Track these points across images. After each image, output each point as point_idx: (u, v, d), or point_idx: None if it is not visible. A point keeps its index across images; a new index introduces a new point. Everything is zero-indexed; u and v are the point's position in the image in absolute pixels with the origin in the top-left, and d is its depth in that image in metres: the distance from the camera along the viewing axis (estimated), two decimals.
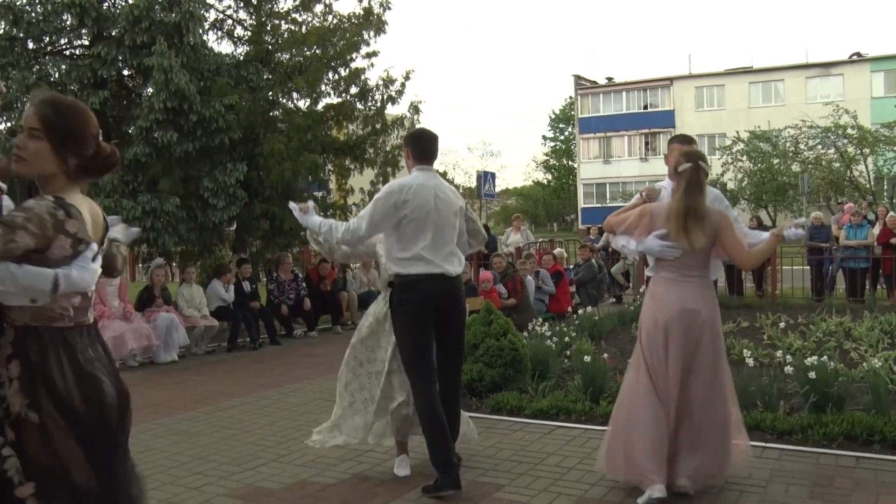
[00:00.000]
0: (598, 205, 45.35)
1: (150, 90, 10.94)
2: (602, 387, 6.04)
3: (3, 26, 11.10)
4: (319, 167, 12.50)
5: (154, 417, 6.18)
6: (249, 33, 13.23)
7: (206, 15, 12.35)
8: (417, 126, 13.89)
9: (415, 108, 13.61)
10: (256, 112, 11.69)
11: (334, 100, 13.18)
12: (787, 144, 31.01)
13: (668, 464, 3.96)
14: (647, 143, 47.00)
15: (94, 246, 2.31)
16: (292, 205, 4.77)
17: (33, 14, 11.17)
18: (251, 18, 13.28)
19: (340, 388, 4.90)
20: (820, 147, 28.14)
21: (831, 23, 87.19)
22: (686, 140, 4.64)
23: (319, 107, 13.05)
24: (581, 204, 49.15)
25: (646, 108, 47.11)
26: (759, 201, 32.61)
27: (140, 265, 15.96)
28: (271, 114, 12.53)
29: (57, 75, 11.30)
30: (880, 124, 29.61)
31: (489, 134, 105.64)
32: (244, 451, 5.25)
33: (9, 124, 11.44)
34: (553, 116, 65.21)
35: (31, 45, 11.49)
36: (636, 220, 4.09)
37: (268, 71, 12.65)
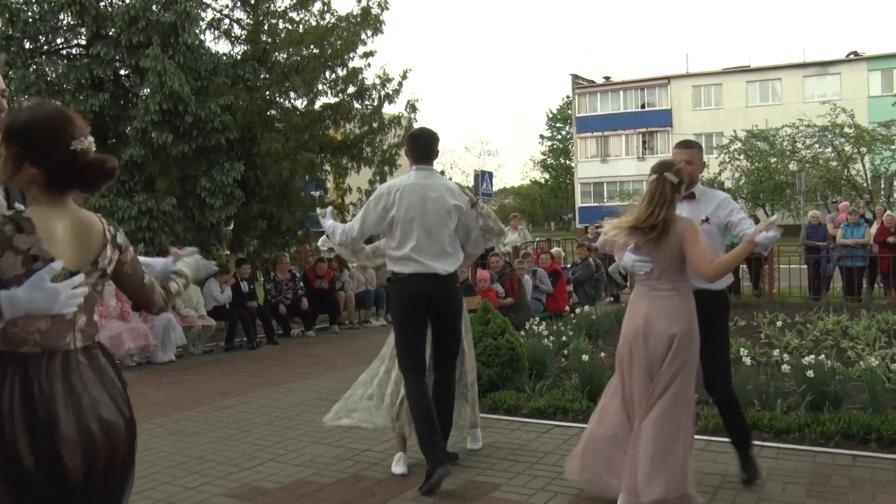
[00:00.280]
0: (596, 204, 45.34)
1: (146, 91, 10.95)
2: (599, 386, 6.02)
3: None
4: (317, 166, 12.51)
5: (151, 417, 6.18)
6: (246, 32, 13.24)
7: (203, 14, 12.36)
8: (415, 125, 13.92)
9: (412, 107, 13.63)
10: (253, 111, 11.69)
11: (332, 99, 13.20)
12: (785, 143, 31.05)
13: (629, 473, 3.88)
14: (644, 143, 47.01)
15: (56, 264, 2.00)
16: (319, 210, 5.11)
17: (30, 13, 11.15)
18: (248, 17, 13.28)
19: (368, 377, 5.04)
20: (817, 146, 28.19)
21: (828, 22, 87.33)
22: (685, 145, 4.47)
23: (317, 106, 13.07)
24: (578, 203, 49.15)
25: (643, 107, 47.12)
26: (756, 200, 32.65)
27: None
28: (268, 113, 12.54)
29: (54, 75, 11.28)
30: (877, 123, 29.67)
31: (487, 133, 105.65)
32: (242, 450, 5.25)
33: None
34: (550, 115, 65.27)
35: (27, 45, 11.47)
36: (614, 235, 4.05)
37: (265, 70, 12.65)
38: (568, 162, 60.29)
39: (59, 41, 12.08)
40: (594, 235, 16.90)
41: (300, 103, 13.11)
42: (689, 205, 4.22)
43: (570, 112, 54.67)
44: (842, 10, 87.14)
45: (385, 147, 13.63)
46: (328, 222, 4.85)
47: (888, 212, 13.91)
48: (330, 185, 14.68)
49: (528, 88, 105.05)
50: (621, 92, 47.84)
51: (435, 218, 4.54)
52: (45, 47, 11.87)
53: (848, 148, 27.57)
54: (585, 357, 6.08)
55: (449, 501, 4.18)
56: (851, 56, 41.62)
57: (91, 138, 2.14)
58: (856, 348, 7.59)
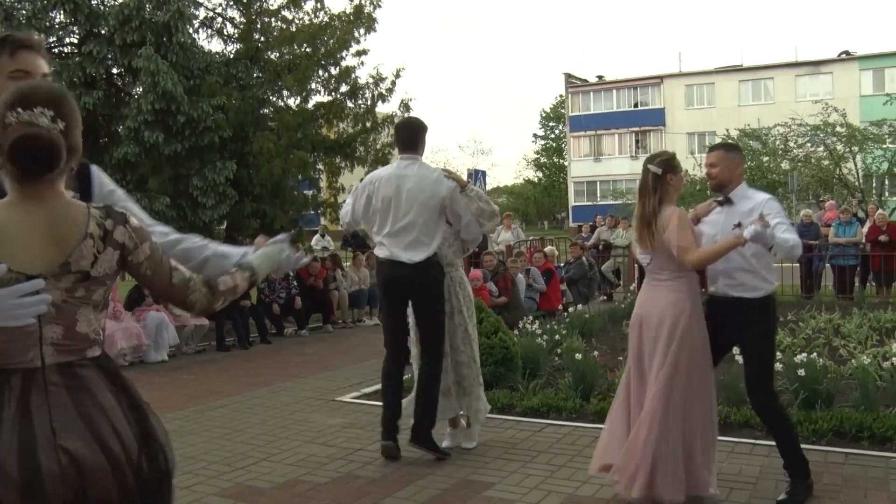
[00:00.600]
0: (589, 203, 45.40)
1: (139, 90, 10.92)
2: (592, 384, 6.06)
3: None
4: (309, 165, 12.49)
5: None
6: (239, 31, 13.20)
7: (196, 13, 12.32)
8: None
9: (405, 106, 13.61)
10: (246, 110, 11.67)
11: (324, 98, 13.18)
12: (777, 142, 31.10)
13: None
14: (637, 142, 47.08)
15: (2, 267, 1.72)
16: None
17: (23, 11, 11.11)
18: (241, 16, 13.25)
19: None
20: (809, 145, 28.21)
21: (820, 21, 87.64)
22: (712, 148, 4.30)
23: (310, 105, 13.04)
24: (572, 202, 49.19)
25: (636, 106, 47.18)
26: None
27: None
28: (261, 112, 12.52)
29: None
30: (869, 122, 29.74)
31: (480, 132, 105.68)
32: (235, 450, 5.24)
33: None
34: (544, 114, 65.26)
35: None
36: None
37: (258, 69, 12.63)
38: (561, 161, 60.32)
39: (51, 39, 12.03)
40: (587, 234, 16.94)
41: (293, 102, 13.10)
42: (725, 210, 4.08)
43: (563, 111, 54.72)
44: (833, 10, 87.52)
45: (378, 146, 13.62)
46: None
47: (880, 210, 13.97)
48: (323, 183, 14.66)
49: (521, 87, 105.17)
50: (614, 91, 47.89)
51: (407, 207, 4.69)
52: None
53: (840, 147, 27.62)
54: (579, 356, 6.09)
55: (442, 500, 4.18)
56: (843, 55, 41.77)
57: (41, 110, 1.77)
58: (848, 346, 7.62)
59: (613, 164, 47.01)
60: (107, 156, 10.99)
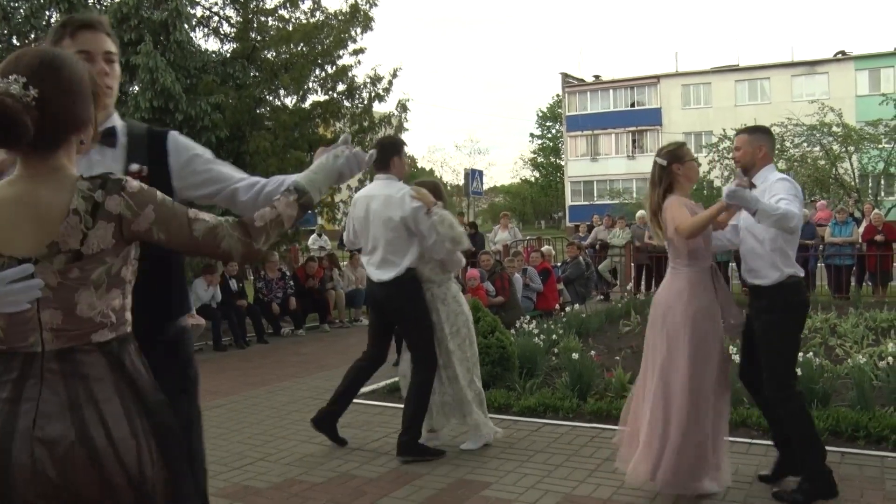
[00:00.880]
0: (586, 202, 45.40)
1: (137, 88, 10.90)
2: (589, 384, 6.06)
3: None
4: (306, 165, 12.46)
5: None
6: (236, 30, 13.18)
7: (193, 12, 12.30)
8: (405, 124, 13.91)
9: (402, 106, 13.60)
10: (243, 110, 11.65)
11: (321, 97, 13.15)
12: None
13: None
14: (634, 141, 47.11)
15: None
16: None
17: (21, 10, 11.09)
18: (238, 15, 13.23)
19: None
20: (805, 145, 28.25)
21: (816, 21, 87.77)
22: (739, 131, 4.29)
23: (306, 104, 13.02)
24: (568, 202, 49.20)
25: (633, 105, 47.20)
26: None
27: None
28: (258, 111, 12.49)
29: None
30: (865, 122, 29.81)
31: (477, 132, 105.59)
32: (232, 450, 5.23)
33: None
34: (540, 114, 65.33)
35: (15, 42, 11.41)
36: None
37: (254, 68, 12.61)
38: (558, 160, 60.35)
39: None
40: (584, 234, 16.94)
41: (289, 101, 13.08)
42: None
43: (560, 111, 54.71)
44: (829, 10, 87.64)
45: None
46: None
47: (875, 210, 14.00)
48: None
49: (518, 87, 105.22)
50: (611, 91, 47.92)
51: (374, 227, 4.86)
52: (35, 44, 11.81)
53: (836, 147, 27.68)
54: (575, 355, 6.09)
55: (439, 499, 4.18)
56: (839, 55, 41.83)
57: (14, 77, 1.65)
58: (844, 346, 7.64)
59: (610, 164, 47.03)
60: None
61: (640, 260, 14.50)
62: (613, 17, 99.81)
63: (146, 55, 10.35)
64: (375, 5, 12.85)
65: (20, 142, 1.66)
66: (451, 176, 57.64)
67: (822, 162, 28.06)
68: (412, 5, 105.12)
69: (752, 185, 3.92)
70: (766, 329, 3.99)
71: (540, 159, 66.02)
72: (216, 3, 13.13)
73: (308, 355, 9.39)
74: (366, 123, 13.28)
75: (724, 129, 33.44)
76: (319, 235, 19.34)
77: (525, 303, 10.93)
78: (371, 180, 5.81)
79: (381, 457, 4.91)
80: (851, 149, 27.94)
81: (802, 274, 4.07)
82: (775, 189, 3.85)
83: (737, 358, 6.06)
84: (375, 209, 4.84)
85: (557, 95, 56.60)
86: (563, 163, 53.98)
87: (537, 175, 66.63)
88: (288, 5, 12.94)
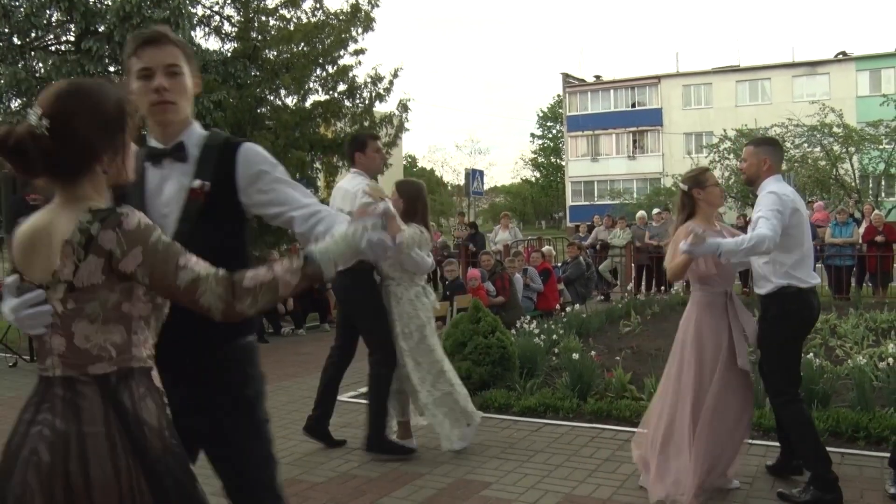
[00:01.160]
0: (587, 202, 45.38)
1: None
2: (589, 384, 6.06)
3: None
4: (307, 164, 12.48)
5: None
6: (237, 30, 13.19)
7: (194, 11, 12.31)
8: (406, 124, 13.91)
9: (403, 106, 13.61)
10: (244, 109, 11.66)
11: (322, 97, 13.17)
12: None
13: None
14: (634, 142, 47.09)
15: (10, 278, 1.77)
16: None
17: (21, 9, 11.10)
18: (239, 15, 13.24)
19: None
20: (806, 145, 28.27)
21: (817, 22, 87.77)
22: (746, 144, 4.45)
23: (307, 104, 13.03)
24: (569, 202, 49.18)
25: (633, 106, 47.18)
26: (746, 199, 32.74)
27: None
28: (259, 111, 12.50)
29: (43, 71, 11.24)
30: (865, 123, 29.82)
31: (477, 132, 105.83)
32: None
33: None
34: (541, 114, 65.33)
35: (16, 41, 11.42)
36: None
37: (255, 68, 12.62)
38: (559, 160, 60.36)
39: (49, 37, 12.02)
40: (585, 234, 16.94)
41: (291, 101, 13.09)
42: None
43: (560, 111, 54.71)
44: (830, 11, 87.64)
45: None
46: None
47: (876, 211, 14.00)
48: (321, 183, 14.64)
49: (518, 87, 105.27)
50: (612, 91, 47.89)
51: None
52: (35, 43, 11.81)
53: (836, 147, 27.69)
54: (576, 356, 6.09)
55: (440, 499, 4.18)
56: (840, 56, 41.81)
57: (35, 109, 1.72)
58: (844, 347, 7.63)
59: (611, 164, 47.01)
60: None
61: (641, 260, 14.50)
62: (614, 17, 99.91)
63: None
64: (377, 6, 12.86)
65: (34, 169, 1.71)
66: (452, 176, 57.78)
67: (823, 162, 28.06)
68: (413, 5, 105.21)
69: (756, 197, 4.08)
70: (762, 335, 4.09)
71: (540, 159, 66.03)
72: (217, 3, 13.15)
73: (308, 355, 9.38)
74: (366, 123, 13.29)
75: (724, 130, 33.47)
76: None
77: (525, 303, 10.93)
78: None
79: (380, 456, 4.91)
80: (852, 149, 27.94)
81: (811, 283, 4.07)
82: (760, 204, 3.96)
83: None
84: (333, 202, 5.00)
85: (558, 95, 56.62)
86: (563, 163, 53.97)
87: (538, 175, 66.64)
88: (289, 5, 12.94)
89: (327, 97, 13.13)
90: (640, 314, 10.43)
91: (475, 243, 15.13)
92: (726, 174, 32.81)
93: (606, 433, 5.31)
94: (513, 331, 7.68)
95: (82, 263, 1.69)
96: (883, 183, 30.09)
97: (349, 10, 12.83)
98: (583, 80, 50.21)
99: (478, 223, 18.59)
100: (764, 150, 4.19)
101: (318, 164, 13.76)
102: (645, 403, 5.68)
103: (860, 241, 13.09)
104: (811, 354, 5.83)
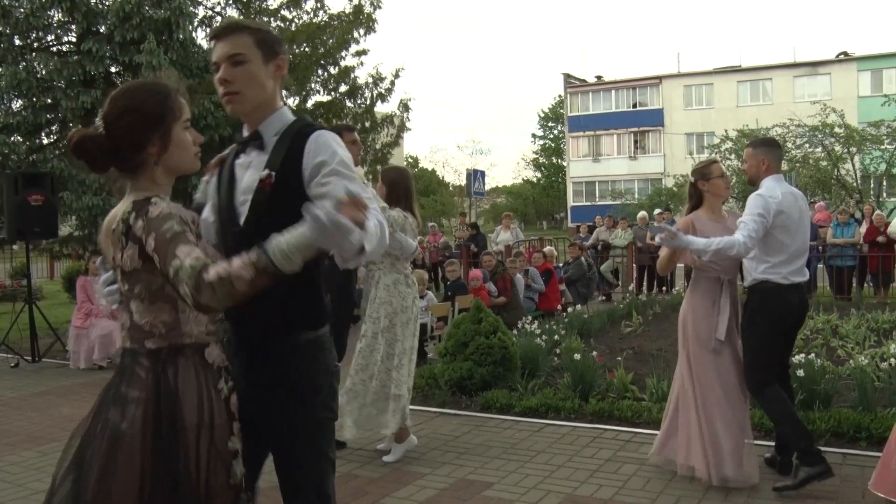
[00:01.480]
0: (588, 203, 45.41)
1: None
2: (591, 384, 6.06)
3: None
4: None
5: None
6: None
7: (196, 11, 12.32)
8: (407, 124, 13.91)
9: (404, 106, 13.61)
10: None
11: (324, 98, 13.17)
12: None
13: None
14: (636, 142, 47.08)
15: (101, 260, 2.10)
16: None
17: (21, 9, 11.11)
18: (240, 15, 13.24)
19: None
20: (807, 146, 28.25)
21: (819, 22, 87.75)
22: (747, 145, 4.57)
23: (309, 105, 13.03)
24: (570, 202, 49.19)
25: (635, 106, 47.17)
26: (747, 199, 32.75)
27: None
28: None
29: (44, 72, 11.24)
30: (867, 123, 29.80)
31: (479, 132, 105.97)
32: None
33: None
34: (542, 115, 65.31)
35: (17, 42, 11.42)
36: None
37: None
38: (560, 161, 60.35)
39: (49, 38, 12.02)
40: (586, 235, 16.94)
41: (292, 102, 13.08)
42: None
43: (562, 111, 54.72)
44: (832, 11, 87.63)
45: (378, 146, 13.61)
46: None
47: (877, 211, 13.99)
48: None
49: (520, 87, 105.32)
50: (613, 91, 47.89)
51: None
52: (36, 44, 11.82)
53: (838, 148, 27.68)
54: (577, 356, 6.09)
55: (441, 499, 4.19)
56: (841, 56, 41.81)
57: (101, 112, 2.02)
58: (846, 347, 7.64)
59: (612, 165, 47.01)
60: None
61: (642, 261, 14.51)
62: (615, 17, 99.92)
63: (149, 53, 10.36)
64: (379, 7, 12.86)
65: (99, 165, 1.97)
66: (453, 176, 57.78)
67: (824, 163, 28.04)
68: (414, 5, 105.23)
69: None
70: (741, 326, 4.29)
71: (542, 160, 66.04)
72: (218, 3, 13.15)
73: None
74: (368, 124, 13.29)
75: (726, 130, 33.47)
76: None
77: (527, 303, 10.94)
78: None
79: (383, 456, 4.91)
80: (853, 150, 27.92)
81: (792, 281, 4.16)
82: (748, 205, 4.16)
83: None
84: None
85: (559, 96, 56.65)
86: (565, 163, 53.96)
87: (539, 175, 66.65)
88: (291, 6, 12.95)
89: (329, 98, 13.14)
90: (641, 314, 10.44)
91: (477, 244, 15.13)
92: (727, 174, 32.79)
93: (608, 434, 5.31)
94: (514, 331, 7.68)
95: (125, 250, 1.91)
96: (884, 183, 30.05)
97: (351, 10, 12.83)
98: (584, 81, 50.22)
99: (479, 223, 18.60)
100: (762, 151, 4.35)
101: None
102: (647, 404, 5.70)
103: (861, 241, 13.08)
104: (812, 355, 5.83)
